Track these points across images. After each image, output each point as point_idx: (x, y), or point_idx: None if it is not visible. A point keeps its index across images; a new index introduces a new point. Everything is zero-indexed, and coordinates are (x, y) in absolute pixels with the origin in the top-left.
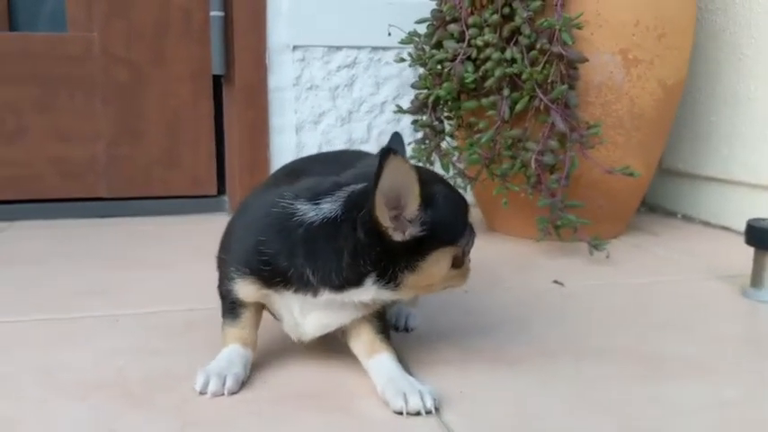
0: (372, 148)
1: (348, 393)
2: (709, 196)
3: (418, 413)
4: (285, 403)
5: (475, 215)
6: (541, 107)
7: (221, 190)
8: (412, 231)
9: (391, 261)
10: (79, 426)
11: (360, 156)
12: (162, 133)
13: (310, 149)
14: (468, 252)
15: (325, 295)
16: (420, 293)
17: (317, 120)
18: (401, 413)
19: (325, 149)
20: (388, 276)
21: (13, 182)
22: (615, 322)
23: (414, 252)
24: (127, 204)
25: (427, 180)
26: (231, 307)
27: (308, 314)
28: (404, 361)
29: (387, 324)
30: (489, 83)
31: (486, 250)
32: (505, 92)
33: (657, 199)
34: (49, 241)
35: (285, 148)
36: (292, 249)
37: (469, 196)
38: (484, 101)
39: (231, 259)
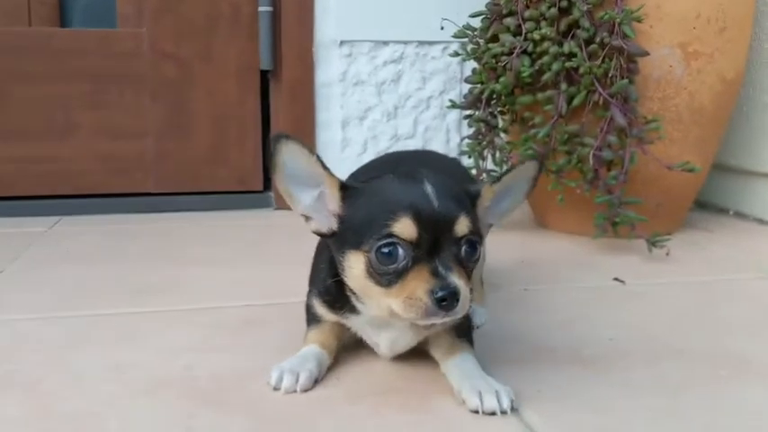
0: (418, 143)
1: (425, 392)
2: (764, 192)
3: (494, 413)
4: (361, 402)
5: (526, 212)
6: (600, 102)
7: (267, 186)
8: (321, 225)
9: (339, 265)
10: (156, 422)
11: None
12: (209, 129)
13: (356, 145)
14: (399, 273)
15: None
16: (385, 315)
17: (362, 115)
18: (477, 412)
19: (370, 145)
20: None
21: (63, 177)
22: (686, 323)
23: (339, 251)
24: (174, 199)
25: (376, 173)
26: (313, 317)
27: (380, 334)
28: (479, 360)
29: (469, 327)
30: (546, 77)
31: (539, 247)
32: (562, 86)
33: (708, 195)
34: (101, 237)
35: (331, 143)
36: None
37: None
38: (540, 95)
39: (311, 281)
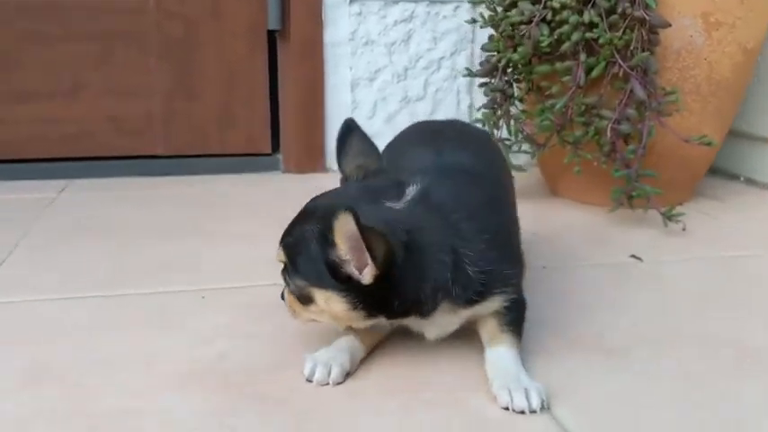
0: (428, 106)
1: (456, 386)
2: None
3: (523, 411)
4: (392, 397)
5: (537, 179)
6: (620, 74)
7: (276, 148)
8: None
9: None
10: (198, 419)
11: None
12: (217, 90)
13: (365, 107)
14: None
15: None
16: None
17: (372, 76)
18: (507, 409)
19: (380, 107)
20: None
21: (71, 140)
22: (706, 306)
23: None
24: (183, 162)
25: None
26: None
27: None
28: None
29: (519, 315)
30: (565, 47)
31: (553, 219)
32: (581, 57)
33: (719, 161)
34: (111, 205)
35: (340, 105)
36: None
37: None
38: (558, 65)
39: None
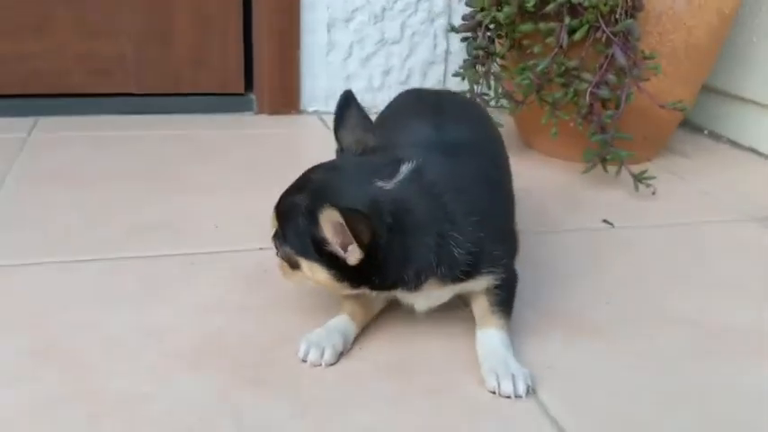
0: (404, 49)
1: (447, 368)
2: (741, 117)
3: (509, 396)
4: (387, 380)
5: (511, 130)
6: (602, 38)
7: (249, 87)
8: None
9: None
10: (205, 402)
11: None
12: (190, 29)
13: (341, 48)
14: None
15: None
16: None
17: (349, 17)
18: (494, 392)
19: (356, 49)
20: None
21: (41, 75)
22: (685, 280)
23: None
24: (155, 101)
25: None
26: None
27: (415, 295)
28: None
29: (509, 295)
30: (550, 8)
31: (529, 175)
32: (566, 19)
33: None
34: (85, 149)
35: (315, 45)
36: None
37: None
38: (542, 25)
39: None
